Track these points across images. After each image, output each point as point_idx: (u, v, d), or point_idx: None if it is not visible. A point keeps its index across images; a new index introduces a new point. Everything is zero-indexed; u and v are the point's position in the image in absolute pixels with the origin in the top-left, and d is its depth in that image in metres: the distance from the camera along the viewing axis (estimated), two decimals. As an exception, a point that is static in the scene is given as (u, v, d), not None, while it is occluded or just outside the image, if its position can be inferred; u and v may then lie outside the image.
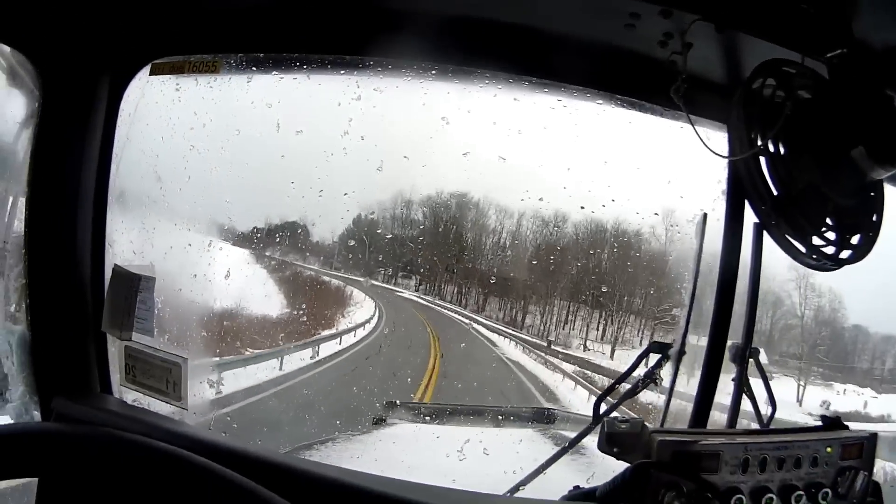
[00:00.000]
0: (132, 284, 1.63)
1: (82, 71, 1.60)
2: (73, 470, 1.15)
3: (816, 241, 1.43)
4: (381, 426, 3.06)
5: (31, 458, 1.09)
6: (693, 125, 1.45)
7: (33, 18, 1.50)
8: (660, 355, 1.70)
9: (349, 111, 1.92)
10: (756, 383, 1.73)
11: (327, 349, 11.45)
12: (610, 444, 1.38)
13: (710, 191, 1.68)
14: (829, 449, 1.37)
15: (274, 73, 1.75)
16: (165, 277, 1.66)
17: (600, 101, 1.73)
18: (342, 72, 1.73)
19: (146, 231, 1.78)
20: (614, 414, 1.62)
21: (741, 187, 1.52)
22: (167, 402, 1.63)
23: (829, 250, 1.43)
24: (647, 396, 1.79)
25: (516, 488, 1.63)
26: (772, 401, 1.77)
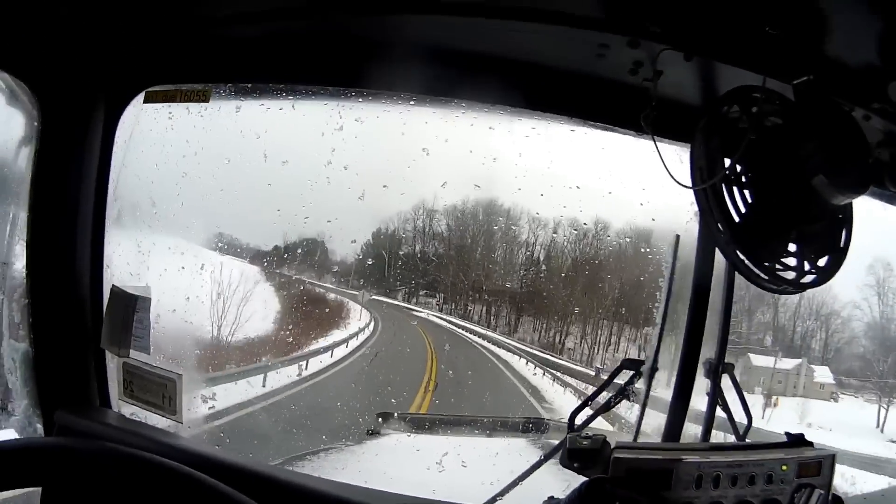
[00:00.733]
0: (129, 304, 1.71)
1: (80, 98, 1.68)
2: (74, 481, 1.20)
3: (776, 266, 1.45)
4: (374, 437, 3.11)
5: (36, 470, 1.15)
6: (659, 153, 1.48)
7: (33, 47, 1.57)
8: (633, 372, 1.75)
9: (332, 141, 1.97)
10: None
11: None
12: (571, 460, 1.44)
13: (684, 213, 1.71)
14: (784, 467, 1.40)
15: (261, 102, 1.82)
16: (161, 298, 1.74)
17: (573, 129, 1.77)
18: (325, 102, 1.79)
19: (142, 253, 1.86)
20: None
21: (709, 211, 1.54)
22: (163, 416, 1.71)
23: (790, 275, 1.45)
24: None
25: (494, 499, 1.69)
26: (747, 414, 1.81)
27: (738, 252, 1.43)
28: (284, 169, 2.19)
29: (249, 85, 1.77)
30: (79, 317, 1.75)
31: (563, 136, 1.77)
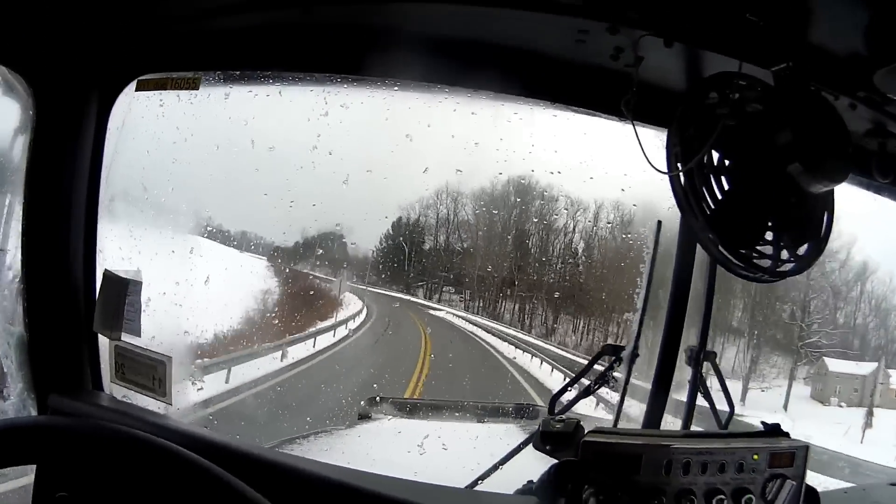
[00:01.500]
0: (121, 288, 1.74)
1: (73, 87, 1.70)
2: (68, 458, 1.23)
3: (752, 254, 1.45)
4: (364, 421, 3.14)
5: (29, 448, 1.17)
6: (639, 138, 1.47)
7: (27, 39, 1.60)
8: (613, 357, 1.76)
9: (317, 127, 1.99)
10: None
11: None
12: (543, 442, 1.46)
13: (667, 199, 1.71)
14: (755, 456, 1.41)
15: (249, 88, 1.85)
16: (152, 281, 1.78)
17: (555, 114, 1.78)
18: (311, 88, 1.82)
19: (134, 238, 1.90)
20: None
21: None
22: (154, 398, 1.75)
23: (765, 263, 1.46)
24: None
25: (475, 483, 1.72)
26: (729, 403, 1.81)
27: (713, 239, 1.44)
28: (271, 154, 2.22)
29: (238, 72, 1.80)
30: (72, 301, 1.78)
31: (545, 121, 1.79)
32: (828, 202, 1.53)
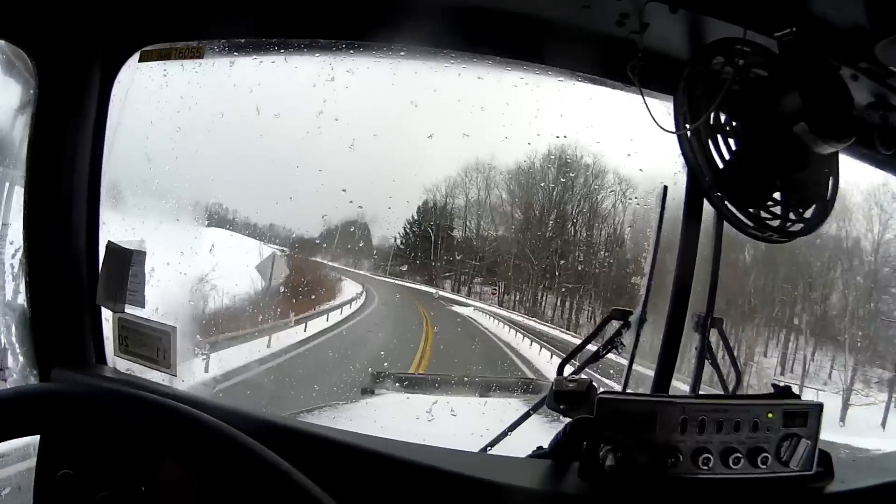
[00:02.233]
0: (125, 259, 1.73)
1: (75, 60, 1.69)
2: (73, 425, 1.21)
3: (762, 214, 1.47)
4: (368, 396, 3.14)
5: (33, 417, 1.15)
6: (646, 102, 1.49)
7: (27, 12, 1.58)
8: (622, 322, 1.76)
9: (323, 92, 1.99)
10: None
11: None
12: (557, 402, 1.46)
13: (672, 164, 1.72)
14: (770, 415, 1.40)
15: (254, 56, 1.84)
16: (156, 252, 1.77)
17: (561, 79, 1.79)
18: (317, 54, 1.81)
19: (137, 209, 1.89)
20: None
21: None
22: (158, 370, 1.74)
23: (775, 223, 1.47)
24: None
25: (486, 448, 1.72)
26: (736, 370, 1.82)
27: (722, 198, 1.45)
28: (277, 121, 2.22)
29: (243, 40, 1.79)
30: (75, 274, 1.77)
31: (551, 86, 1.79)
32: (833, 166, 1.55)
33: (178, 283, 1.98)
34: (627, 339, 1.78)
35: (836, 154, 1.53)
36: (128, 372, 1.79)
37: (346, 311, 14.29)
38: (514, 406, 2.84)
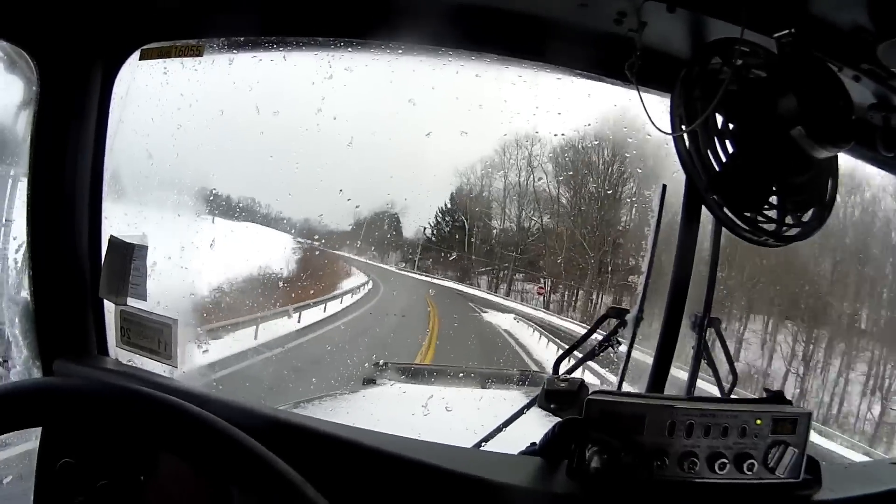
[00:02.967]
0: (127, 253, 1.76)
1: (76, 59, 1.71)
2: (74, 419, 1.23)
3: (758, 218, 1.46)
4: (369, 386, 3.16)
5: (35, 410, 1.17)
6: (643, 102, 1.48)
7: (28, 12, 1.60)
8: (618, 320, 1.77)
9: (322, 90, 2.00)
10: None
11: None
12: (548, 401, 1.47)
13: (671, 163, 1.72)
14: (758, 421, 1.41)
15: (253, 54, 1.85)
16: (157, 246, 1.79)
17: (559, 77, 1.78)
18: (316, 52, 1.81)
19: (139, 204, 1.91)
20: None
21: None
22: (159, 362, 1.77)
23: (770, 227, 1.46)
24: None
25: (479, 444, 1.74)
26: (732, 370, 1.82)
27: (717, 201, 1.44)
28: (276, 118, 2.23)
29: (242, 38, 1.80)
30: (77, 268, 1.80)
31: (550, 83, 1.79)
32: (832, 169, 1.53)
33: (179, 277, 2.00)
34: (624, 337, 1.79)
35: (835, 157, 1.52)
36: (129, 363, 1.82)
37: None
38: (512, 397, 2.86)
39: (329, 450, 1.47)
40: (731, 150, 1.44)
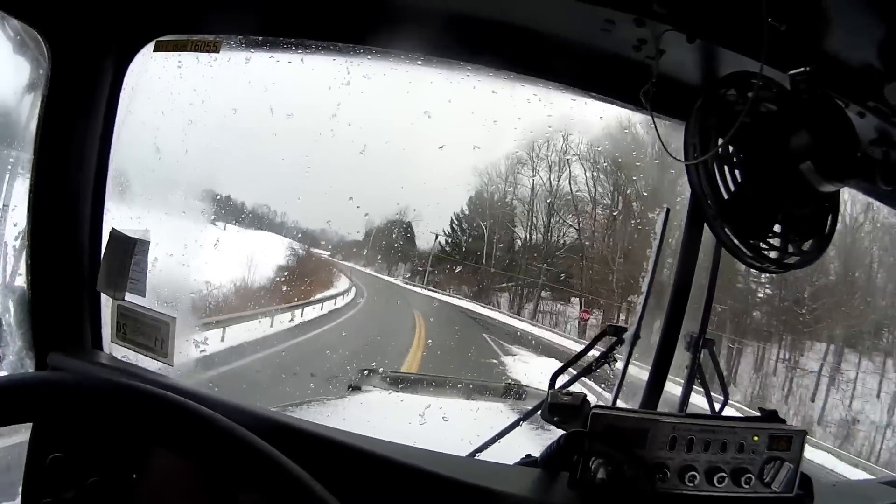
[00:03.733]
0: (128, 247, 1.74)
1: (90, 44, 1.69)
2: (65, 415, 1.21)
3: (761, 245, 1.51)
4: (355, 392, 3.16)
5: (26, 405, 1.15)
6: (656, 128, 1.53)
7: None
8: (615, 338, 1.81)
9: (338, 95, 2.00)
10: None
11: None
12: (551, 414, 1.50)
13: (676, 188, 1.76)
14: (755, 438, 1.45)
15: (270, 55, 1.84)
16: (160, 242, 1.77)
17: (574, 98, 1.82)
18: (334, 58, 1.81)
19: (144, 198, 1.89)
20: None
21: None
22: (154, 359, 1.75)
23: (773, 255, 1.52)
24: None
25: (474, 453, 1.76)
26: (724, 391, 1.88)
27: (724, 227, 1.49)
28: (290, 120, 2.22)
29: (260, 38, 1.80)
30: (77, 260, 1.77)
31: (563, 103, 1.82)
32: (833, 202, 1.60)
33: (180, 275, 1.98)
34: (620, 354, 1.83)
35: (837, 192, 1.58)
36: (124, 359, 1.80)
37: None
38: (499, 410, 2.88)
39: (325, 452, 1.47)
40: (739, 179, 1.49)
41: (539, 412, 1.61)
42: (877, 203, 1.99)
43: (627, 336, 1.83)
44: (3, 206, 1.80)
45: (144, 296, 1.75)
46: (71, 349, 1.74)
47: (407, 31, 1.64)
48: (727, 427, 1.46)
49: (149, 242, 1.74)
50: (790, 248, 1.54)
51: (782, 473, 1.45)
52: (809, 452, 1.57)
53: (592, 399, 1.54)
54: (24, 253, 1.73)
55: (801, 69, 1.41)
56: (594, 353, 1.87)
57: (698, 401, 1.85)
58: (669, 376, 1.79)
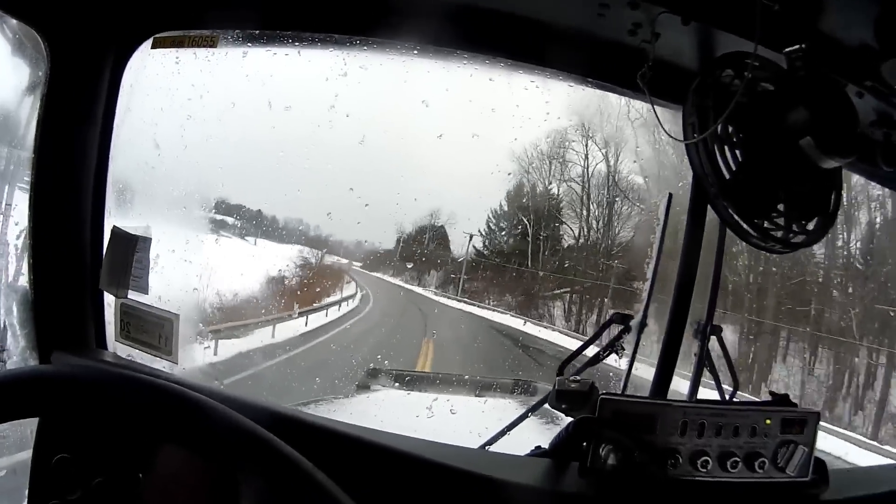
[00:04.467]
0: (130, 245, 1.74)
1: (88, 44, 1.69)
2: (71, 408, 1.19)
3: (766, 224, 1.49)
4: (362, 391, 3.15)
5: (33, 399, 1.14)
6: (654, 110, 1.52)
7: None
8: (622, 326, 1.79)
9: (336, 87, 2.00)
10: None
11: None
12: (559, 401, 1.48)
13: (676, 173, 1.75)
14: (767, 421, 1.43)
15: (268, 48, 1.84)
16: (161, 239, 1.77)
17: (571, 84, 1.81)
18: (331, 49, 1.81)
19: (144, 195, 1.89)
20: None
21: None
22: (159, 357, 1.74)
23: (778, 234, 1.49)
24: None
25: (484, 446, 1.74)
26: (734, 377, 1.85)
27: (727, 207, 1.47)
28: (288, 113, 2.22)
29: (257, 32, 1.80)
30: (79, 258, 1.77)
31: (561, 90, 1.81)
32: (835, 180, 1.57)
33: (182, 271, 1.98)
34: (628, 343, 1.81)
35: (839, 169, 1.56)
36: (128, 358, 1.79)
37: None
38: (509, 406, 2.86)
39: (334, 445, 1.46)
40: (740, 158, 1.48)
41: (547, 402, 1.59)
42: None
43: (634, 324, 1.81)
44: (6, 205, 1.80)
45: (147, 293, 1.75)
46: (75, 348, 1.74)
47: (403, 21, 1.64)
48: (738, 411, 1.44)
49: (150, 239, 1.74)
50: (795, 228, 1.52)
51: (797, 457, 1.43)
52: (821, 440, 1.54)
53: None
54: (26, 252, 1.73)
55: (797, 46, 1.40)
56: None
57: (708, 394, 1.83)
58: (676, 370, 1.77)
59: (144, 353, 1.76)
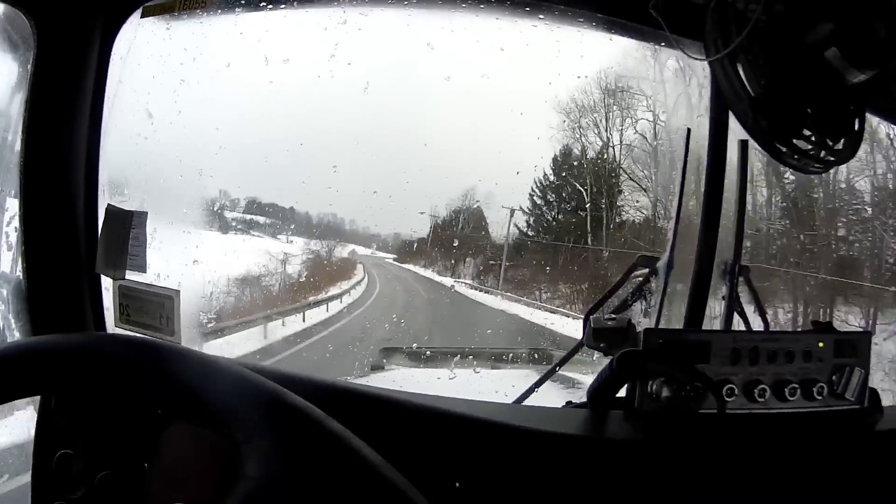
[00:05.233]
0: (125, 222, 1.66)
1: (75, 18, 1.63)
2: (78, 379, 1.08)
3: (797, 142, 1.43)
4: (377, 371, 3.08)
5: (36, 373, 1.04)
6: (671, 37, 1.47)
7: None
8: (648, 269, 1.72)
9: (335, 35, 1.94)
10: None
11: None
12: (596, 340, 1.41)
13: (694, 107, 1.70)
14: (820, 344, 1.37)
15: (262, 4, 1.79)
16: (157, 210, 1.69)
17: (581, 20, 1.75)
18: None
19: (139, 168, 1.81)
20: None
21: (723, 100, 1.53)
22: (161, 338, 1.65)
23: (811, 152, 1.44)
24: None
25: (520, 398, 1.66)
26: (763, 319, 1.78)
27: (760, 124, 1.41)
28: (287, 67, 2.16)
29: (250, -14, 1.75)
30: (73, 241, 1.70)
31: (570, 26, 1.76)
32: (859, 102, 1.53)
33: (182, 243, 1.90)
34: (655, 285, 1.74)
35: (864, 90, 1.51)
36: (129, 342, 1.70)
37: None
38: (527, 375, 2.79)
39: (361, 407, 1.37)
40: (763, 81, 1.42)
41: (584, 343, 1.50)
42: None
43: (661, 265, 1.74)
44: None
45: (145, 271, 1.67)
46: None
47: None
48: (791, 335, 1.37)
49: (146, 213, 1.66)
50: (825, 146, 1.46)
51: (854, 381, 1.36)
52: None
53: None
54: (19, 237, 1.65)
55: None
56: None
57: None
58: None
59: (146, 336, 1.67)
